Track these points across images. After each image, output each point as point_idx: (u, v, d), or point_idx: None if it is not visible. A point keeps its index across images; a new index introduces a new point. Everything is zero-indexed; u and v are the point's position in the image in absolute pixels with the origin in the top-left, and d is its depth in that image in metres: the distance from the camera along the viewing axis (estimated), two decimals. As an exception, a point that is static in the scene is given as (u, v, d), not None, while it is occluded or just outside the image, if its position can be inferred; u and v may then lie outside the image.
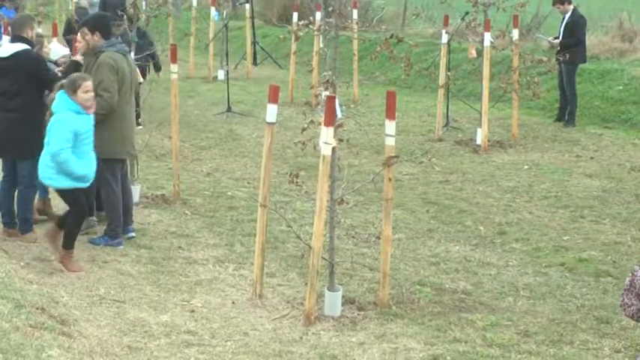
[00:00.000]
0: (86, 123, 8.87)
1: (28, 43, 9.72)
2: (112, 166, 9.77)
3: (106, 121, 9.58)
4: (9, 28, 13.43)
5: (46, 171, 8.90)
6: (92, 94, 8.91)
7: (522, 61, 15.58)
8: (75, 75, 9.21)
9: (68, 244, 8.90)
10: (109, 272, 8.91)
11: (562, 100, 16.78)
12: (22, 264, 8.80)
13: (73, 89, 8.80)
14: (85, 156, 8.89)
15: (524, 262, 9.64)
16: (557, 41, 16.50)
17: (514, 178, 13.12)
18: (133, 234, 9.95)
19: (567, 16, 16.49)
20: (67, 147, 8.70)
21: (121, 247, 9.69)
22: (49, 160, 8.81)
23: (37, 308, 6.93)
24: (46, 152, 8.83)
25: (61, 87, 8.95)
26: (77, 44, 10.38)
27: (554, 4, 17.04)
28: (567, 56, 15.63)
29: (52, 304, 7.38)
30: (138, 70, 11.35)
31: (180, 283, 8.71)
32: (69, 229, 8.94)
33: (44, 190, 10.44)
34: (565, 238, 10.40)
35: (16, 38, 9.83)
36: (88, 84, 8.88)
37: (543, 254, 9.86)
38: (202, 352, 7.20)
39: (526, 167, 13.74)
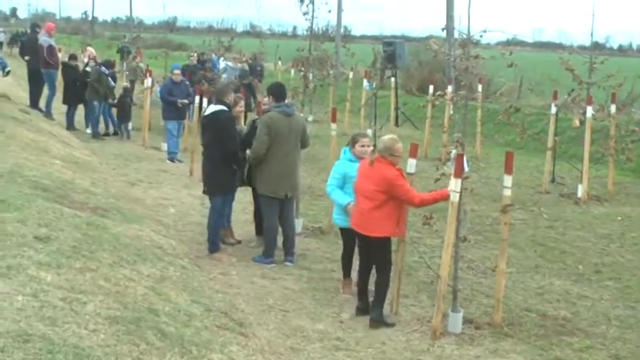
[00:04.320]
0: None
1: (226, 106, 9.96)
2: (268, 201, 9.93)
3: (264, 165, 9.78)
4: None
5: (333, 210, 9.04)
6: (367, 148, 8.65)
7: (618, 131, 15.22)
8: (357, 132, 9.36)
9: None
10: (276, 287, 9.01)
11: (651, 164, 16.28)
12: (210, 277, 8.97)
13: (352, 144, 8.78)
14: (351, 196, 8.49)
15: (615, 297, 9.32)
16: (649, 115, 16.04)
17: (608, 226, 12.73)
18: (289, 264, 9.90)
19: (658, 93, 16.03)
20: (332, 184, 8.77)
21: (272, 265, 9.77)
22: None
23: (222, 312, 7.01)
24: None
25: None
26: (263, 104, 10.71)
27: (647, 84, 16.63)
28: (657, 127, 15.19)
29: (233, 310, 7.49)
30: None
31: (333, 299, 8.73)
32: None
33: (227, 220, 10.69)
34: (652, 279, 10.02)
35: (217, 101, 10.11)
36: (365, 140, 8.82)
37: (633, 291, 9.52)
38: (348, 356, 7.19)
39: (619, 218, 13.31)
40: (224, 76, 22.37)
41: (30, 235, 6.96)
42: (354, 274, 8.86)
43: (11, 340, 4.60)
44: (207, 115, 10.03)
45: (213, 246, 10.00)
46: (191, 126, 17.32)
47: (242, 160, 10.12)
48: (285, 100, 10.08)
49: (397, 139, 8.05)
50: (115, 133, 19.98)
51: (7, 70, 11.95)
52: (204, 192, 10.36)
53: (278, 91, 10.09)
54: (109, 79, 19.52)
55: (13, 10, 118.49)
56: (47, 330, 4.90)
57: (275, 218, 10.00)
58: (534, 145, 18.77)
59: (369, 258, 8.21)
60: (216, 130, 9.78)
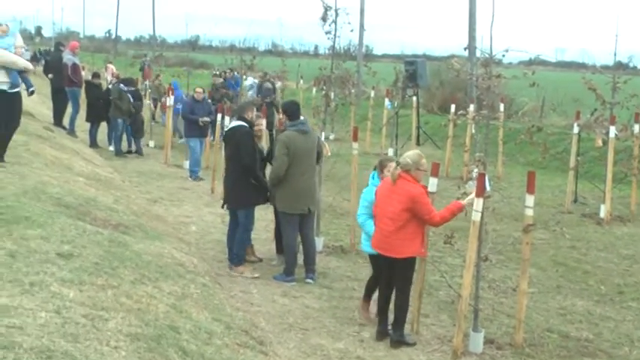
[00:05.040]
0: None
1: (246, 122, 10.10)
2: (288, 218, 9.95)
3: (283, 183, 9.79)
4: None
5: (362, 237, 8.88)
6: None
7: (641, 151, 15.12)
8: (384, 157, 9.18)
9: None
10: (297, 305, 9.01)
11: (675, 184, 16.10)
12: (231, 294, 9.00)
13: (380, 169, 8.67)
14: None
15: (639, 318, 9.23)
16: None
17: (632, 247, 12.62)
18: (310, 281, 9.90)
19: (682, 113, 15.87)
20: (364, 213, 8.62)
21: (293, 283, 9.77)
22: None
23: (242, 330, 7.02)
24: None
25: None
26: (280, 121, 10.77)
27: (670, 103, 16.48)
28: (680, 147, 15.05)
29: (253, 328, 7.49)
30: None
31: (354, 317, 8.70)
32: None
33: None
34: (676, 300, 9.91)
35: (238, 118, 10.27)
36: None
37: (656, 313, 9.43)
38: (369, 375, 7.20)
39: (642, 239, 13.23)
40: (250, 92, 22.51)
41: (53, 252, 7.02)
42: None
43: (34, 356, 4.63)
44: (227, 130, 10.34)
45: (237, 259, 10.10)
46: (213, 144, 17.41)
47: (261, 177, 10.17)
48: (299, 118, 10.13)
49: (422, 154, 8.04)
50: (137, 151, 20.12)
51: (31, 89, 12.07)
52: (223, 207, 10.46)
53: (292, 110, 10.16)
54: (129, 96, 19.70)
55: (38, 29, 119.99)
56: (69, 346, 4.93)
57: (295, 235, 10.02)
58: (556, 164, 18.72)
59: (391, 279, 8.16)
60: (235, 144, 9.94)
